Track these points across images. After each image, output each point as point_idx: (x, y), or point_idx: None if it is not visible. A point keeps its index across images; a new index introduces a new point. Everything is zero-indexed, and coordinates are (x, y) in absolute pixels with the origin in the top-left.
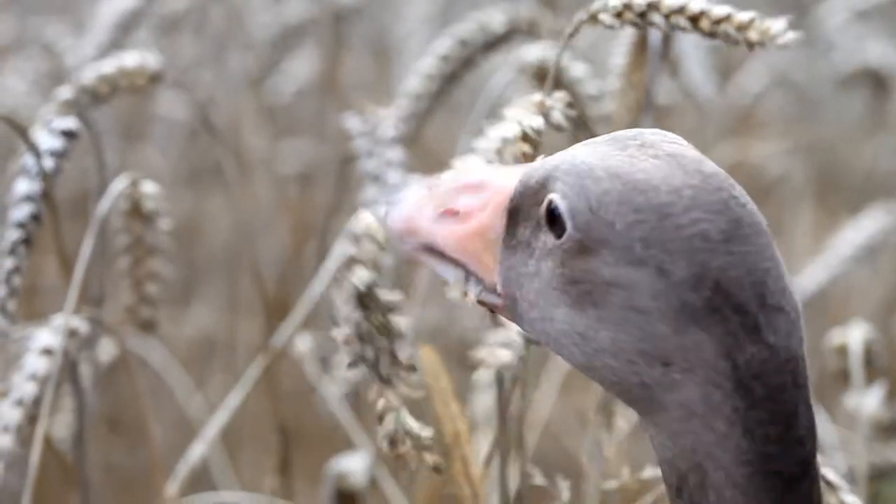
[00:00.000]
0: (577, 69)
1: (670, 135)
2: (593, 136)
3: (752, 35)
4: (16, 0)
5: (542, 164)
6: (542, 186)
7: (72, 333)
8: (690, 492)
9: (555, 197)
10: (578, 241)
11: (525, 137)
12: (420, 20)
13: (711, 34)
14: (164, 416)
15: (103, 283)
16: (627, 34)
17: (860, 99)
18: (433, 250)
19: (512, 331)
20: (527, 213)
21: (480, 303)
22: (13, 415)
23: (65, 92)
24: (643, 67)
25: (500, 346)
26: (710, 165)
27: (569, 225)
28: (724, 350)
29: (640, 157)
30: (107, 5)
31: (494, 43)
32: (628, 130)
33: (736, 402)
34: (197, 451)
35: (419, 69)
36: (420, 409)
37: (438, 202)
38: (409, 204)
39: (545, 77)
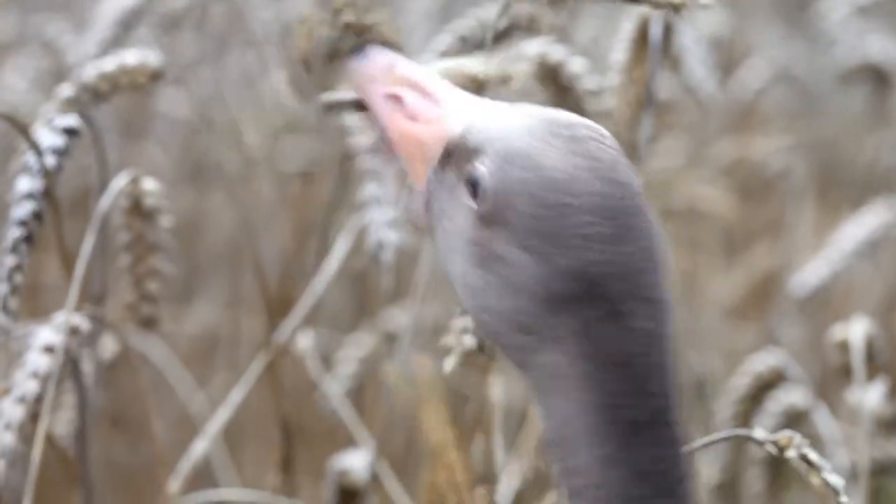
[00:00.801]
0: (575, 64)
1: (600, 132)
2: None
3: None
4: None
5: (483, 124)
6: (476, 151)
7: (73, 331)
8: (561, 444)
9: (481, 169)
10: (488, 212)
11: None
12: (420, 16)
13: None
14: (166, 413)
15: (104, 280)
16: (628, 29)
17: (861, 94)
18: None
19: None
20: (458, 162)
21: (408, 214)
22: (15, 412)
23: (66, 90)
24: (644, 63)
25: (465, 332)
26: (622, 173)
27: (485, 198)
28: (580, 328)
29: (563, 153)
30: (108, 3)
31: (494, 39)
32: (566, 115)
33: (585, 365)
34: (199, 447)
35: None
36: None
37: (392, 82)
38: (369, 65)
39: (543, 72)
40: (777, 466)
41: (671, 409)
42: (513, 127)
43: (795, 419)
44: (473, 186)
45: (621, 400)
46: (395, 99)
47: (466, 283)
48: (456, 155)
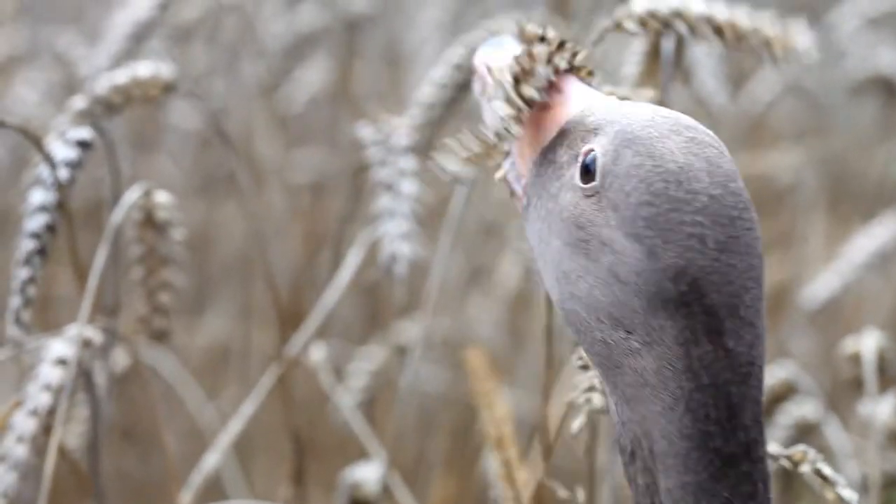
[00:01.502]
0: None
1: (720, 143)
2: None
3: (777, 50)
4: (29, 10)
5: (603, 108)
6: (594, 131)
7: (86, 343)
8: (643, 456)
9: (596, 148)
10: (598, 195)
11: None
12: (432, 28)
13: (735, 46)
14: (177, 426)
15: (117, 293)
16: (640, 43)
17: (872, 106)
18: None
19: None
20: (572, 142)
21: (505, 183)
22: (28, 424)
23: (78, 102)
24: (656, 76)
25: (592, 391)
26: (737, 184)
27: (597, 178)
28: (683, 339)
29: (682, 149)
30: (120, 15)
31: None
32: (688, 118)
33: (683, 382)
34: (210, 460)
35: (431, 78)
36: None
37: (518, 71)
38: (496, 55)
39: None
40: (788, 479)
41: (762, 445)
42: (634, 114)
43: (806, 432)
44: (585, 166)
45: (716, 428)
46: None
47: (561, 267)
48: (570, 134)
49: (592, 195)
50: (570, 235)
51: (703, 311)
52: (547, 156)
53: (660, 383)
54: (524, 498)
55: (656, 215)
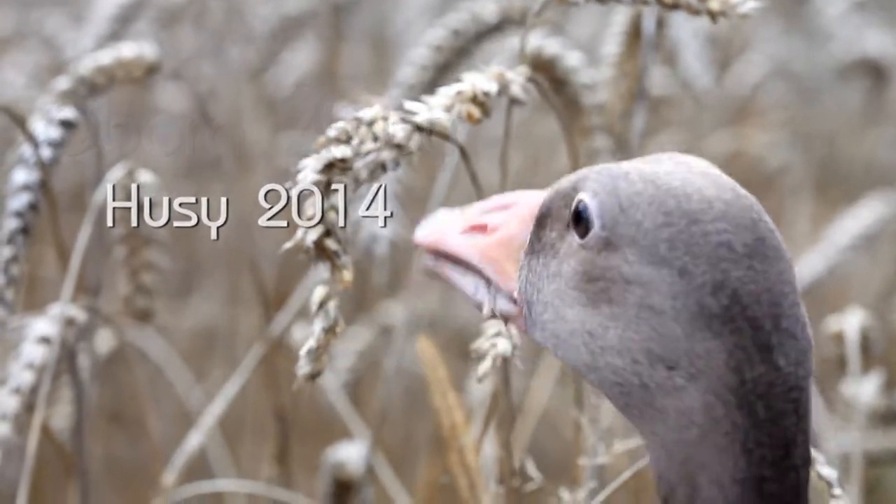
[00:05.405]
0: (570, 58)
1: (705, 162)
2: (580, 117)
3: (714, 5)
4: None
5: (575, 173)
6: (574, 189)
7: (69, 322)
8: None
9: (584, 195)
10: (604, 238)
11: (474, 99)
12: (418, 10)
13: (674, 6)
14: (163, 408)
15: (100, 272)
16: (621, 22)
17: (859, 89)
18: (455, 262)
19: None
20: (556, 217)
21: (494, 314)
22: (10, 403)
23: (62, 82)
24: (636, 56)
25: (499, 336)
26: (743, 190)
27: (596, 222)
28: (735, 363)
29: (674, 170)
30: None
31: (487, 32)
32: (665, 153)
33: (738, 418)
34: (195, 439)
35: (413, 59)
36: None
37: (467, 220)
38: (438, 222)
39: (538, 66)
40: None
41: (808, 489)
42: (611, 165)
43: None
44: (578, 218)
45: (770, 471)
46: (476, 230)
47: (584, 329)
48: (552, 210)
49: (597, 242)
50: (585, 294)
51: (749, 326)
52: (532, 251)
53: (710, 422)
54: (479, 485)
55: (678, 233)
